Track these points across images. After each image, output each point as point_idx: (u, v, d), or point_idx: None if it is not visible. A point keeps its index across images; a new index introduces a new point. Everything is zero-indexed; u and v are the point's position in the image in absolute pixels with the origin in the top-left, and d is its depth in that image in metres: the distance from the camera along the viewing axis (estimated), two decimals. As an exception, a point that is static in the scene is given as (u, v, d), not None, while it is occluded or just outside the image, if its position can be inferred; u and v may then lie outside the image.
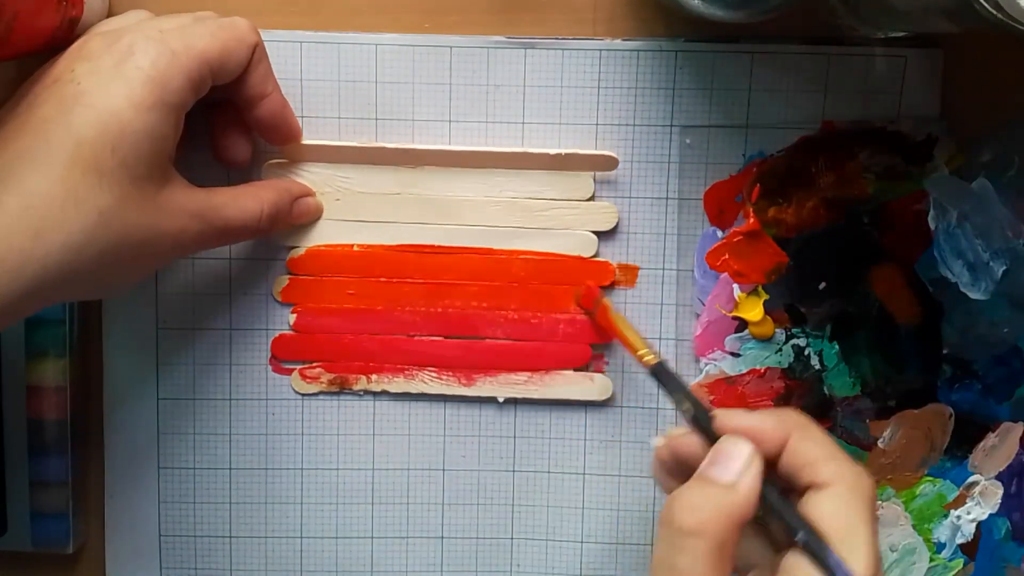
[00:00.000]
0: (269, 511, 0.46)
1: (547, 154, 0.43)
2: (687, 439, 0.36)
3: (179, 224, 0.37)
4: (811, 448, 0.34)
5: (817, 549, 0.32)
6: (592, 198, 0.44)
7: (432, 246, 0.44)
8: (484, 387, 0.45)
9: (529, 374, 0.45)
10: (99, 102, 0.34)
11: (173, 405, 0.45)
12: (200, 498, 0.45)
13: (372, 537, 0.46)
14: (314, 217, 0.44)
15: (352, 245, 0.44)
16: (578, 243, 0.44)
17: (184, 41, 0.36)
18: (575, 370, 0.45)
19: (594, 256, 0.44)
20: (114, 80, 0.35)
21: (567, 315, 0.44)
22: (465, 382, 0.45)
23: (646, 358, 0.40)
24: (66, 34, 0.38)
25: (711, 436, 0.35)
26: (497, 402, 0.45)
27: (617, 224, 0.44)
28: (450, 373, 0.45)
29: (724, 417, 0.36)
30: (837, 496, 0.33)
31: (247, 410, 0.45)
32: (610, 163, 0.43)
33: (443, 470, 0.46)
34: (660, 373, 0.39)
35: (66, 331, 0.43)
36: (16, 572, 0.46)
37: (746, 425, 0.35)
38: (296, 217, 0.43)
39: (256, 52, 0.39)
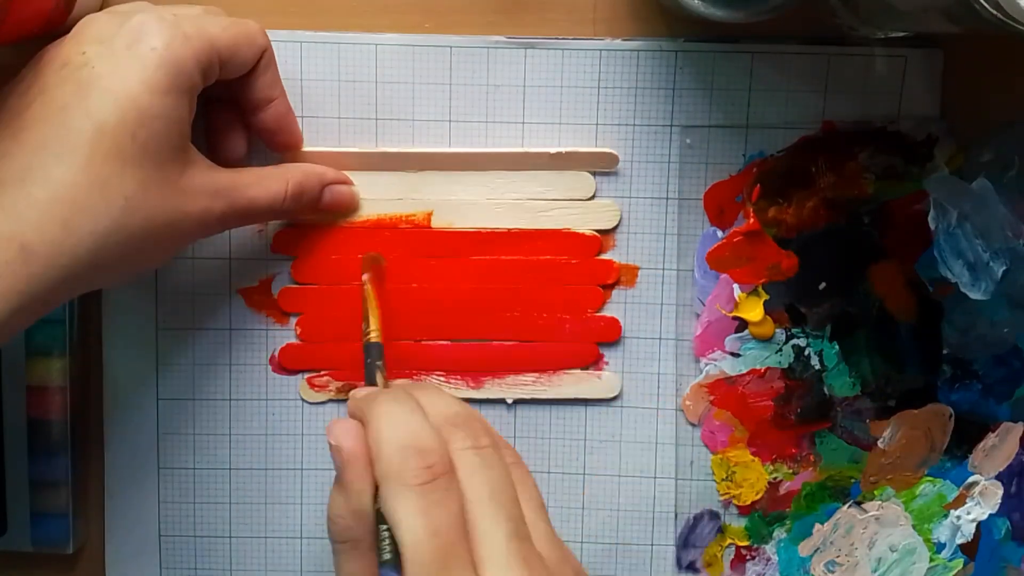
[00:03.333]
0: (269, 511, 0.46)
1: (547, 153, 0.43)
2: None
3: (202, 204, 0.37)
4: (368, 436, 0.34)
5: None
6: (593, 197, 0.44)
7: (435, 250, 0.44)
8: (492, 389, 0.45)
9: (537, 374, 0.45)
10: (116, 86, 0.34)
11: (173, 405, 0.45)
12: (200, 498, 0.45)
13: (372, 537, 0.46)
14: (350, 208, 0.43)
15: (357, 252, 0.44)
16: (581, 240, 0.44)
17: (196, 25, 0.36)
18: (582, 369, 0.45)
19: (597, 255, 0.44)
20: (129, 63, 0.34)
21: (572, 315, 0.44)
22: (474, 385, 0.45)
23: (371, 336, 0.40)
24: (62, 17, 0.38)
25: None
26: (505, 403, 0.45)
27: (618, 224, 0.44)
28: (458, 376, 0.45)
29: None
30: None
31: (247, 410, 0.45)
32: (610, 160, 0.43)
33: (443, 470, 0.46)
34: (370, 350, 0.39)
35: (66, 331, 0.43)
36: (16, 572, 0.46)
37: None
38: (328, 204, 0.42)
39: (264, 56, 0.39)
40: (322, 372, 0.45)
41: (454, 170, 0.43)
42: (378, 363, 0.39)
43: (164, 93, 0.35)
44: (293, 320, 0.45)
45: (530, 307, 0.44)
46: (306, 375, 0.45)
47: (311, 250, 0.44)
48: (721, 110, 0.43)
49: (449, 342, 0.45)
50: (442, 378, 0.45)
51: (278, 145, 0.42)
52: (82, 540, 0.46)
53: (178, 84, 0.35)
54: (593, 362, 0.45)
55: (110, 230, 0.34)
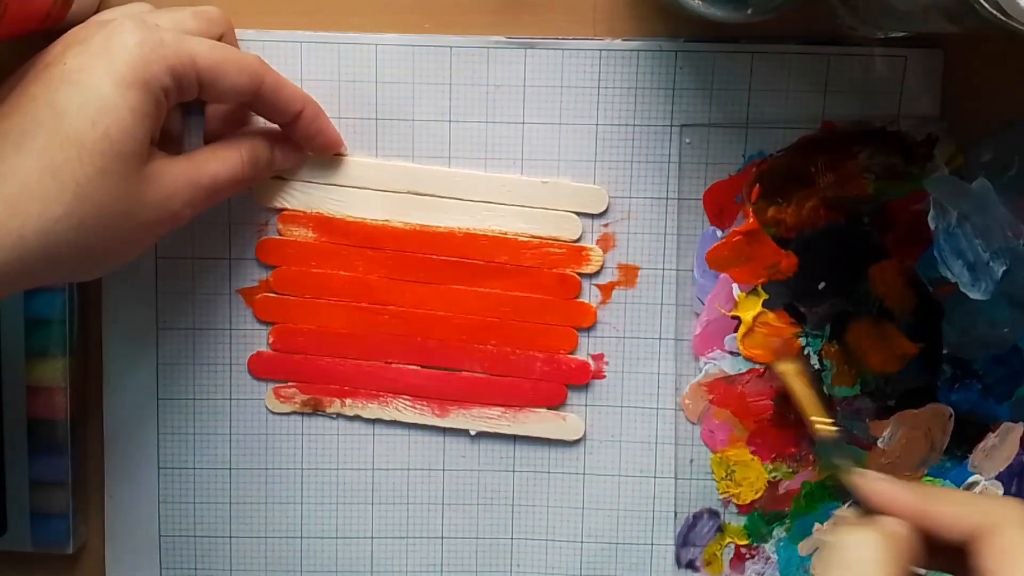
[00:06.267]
0: (269, 511, 0.46)
1: (538, 182, 0.43)
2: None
3: (164, 191, 0.37)
4: (951, 509, 0.33)
5: None
6: (579, 239, 0.44)
7: (415, 275, 0.44)
8: (457, 419, 0.45)
9: (503, 409, 0.45)
10: (82, 78, 0.35)
11: (173, 405, 0.45)
12: (200, 498, 0.45)
13: (372, 537, 0.46)
14: (299, 161, 0.43)
15: (337, 269, 0.44)
16: (562, 281, 0.44)
17: (177, 36, 0.36)
18: (548, 408, 0.45)
19: (576, 297, 0.44)
20: (99, 57, 0.35)
21: (545, 353, 0.44)
22: (439, 413, 0.45)
23: (821, 428, 0.41)
24: (60, 14, 0.38)
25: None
26: (468, 435, 0.45)
27: (600, 267, 0.44)
28: (424, 403, 0.45)
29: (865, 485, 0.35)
30: (991, 541, 0.32)
31: (246, 410, 0.45)
32: (598, 199, 0.43)
33: (443, 470, 0.46)
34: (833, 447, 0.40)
35: (66, 331, 0.43)
36: (16, 572, 0.46)
37: (882, 498, 0.34)
38: (281, 161, 0.42)
39: (268, 83, 0.39)
40: (289, 383, 0.45)
41: (443, 197, 0.43)
42: (846, 461, 0.38)
43: (128, 87, 0.35)
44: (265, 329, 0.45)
45: (504, 341, 0.44)
46: (272, 384, 0.45)
47: (293, 261, 0.44)
48: (721, 110, 0.43)
49: (419, 367, 0.45)
50: (408, 402, 0.45)
51: (315, 150, 0.43)
52: (82, 540, 0.46)
53: (145, 81, 0.35)
54: (560, 403, 0.45)
55: (59, 215, 0.34)
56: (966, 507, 0.33)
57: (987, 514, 0.32)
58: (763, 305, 0.44)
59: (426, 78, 0.43)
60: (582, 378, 0.45)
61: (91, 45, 0.35)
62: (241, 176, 0.40)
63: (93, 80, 0.34)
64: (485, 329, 0.44)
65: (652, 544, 0.46)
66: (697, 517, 0.46)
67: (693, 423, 0.45)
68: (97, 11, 0.41)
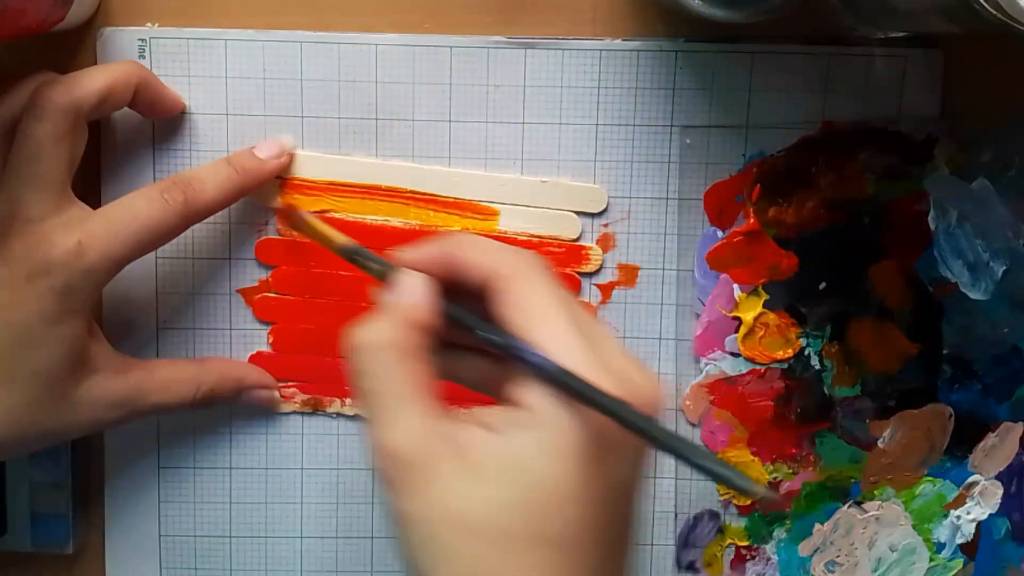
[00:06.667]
0: (269, 511, 0.46)
1: (537, 182, 0.43)
2: None
3: (93, 415, 0.39)
4: (472, 255, 0.33)
5: (503, 343, 0.31)
6: (579, 239, 0.44)
7: None
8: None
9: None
10: (12, 317, 0.36)
11: (173, 405, 0.45)
12: (200, 498, 0.45)
13: (372, 537, 0.46)
14: (269, 408, 0.45)
15: (337, 269, 0.44)
16: (562, 281, 0.44)
17: (102, 248, 0.37)
18: None
19: (577, 296, 0.44)
20: (27, 295, 0.36)
21: None
22: None
23: (340, 242, 0.39)
24: (60, 14, 0.38)
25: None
26: None
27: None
28: None
29: (395, 258, 0.35)
30: (505, 289, 0.32)
31: (247, 410, 0.45)
32: (597, 198, 0.43)
33: (443, 470, 0.46)
34: (354, 254, 0.38)
35: (66, 331, 0.43)
36: (16, 572, 0.46)
37: (412, 258, 0.34)
38: (245, 405, 0.44)
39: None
40: (290, 383, 0.45)
41: (442, 196, 0.43)
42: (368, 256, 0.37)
43: (59, 323, 0.36)
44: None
45: None
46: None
47: (293, 261, 0.44)
48: (721, 110, 0.43)
49: None
50: None
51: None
52: (82, 540, 0.46)
53: (74, 310, 0.37)
54: None
55: None
56: (484, 254, 0.33)
57: (502, 262, 0.32)
58: (764, 306, 0.44)
59: (426, 78, 0.43)
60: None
61: (16, 274, 0.36)
62: (189, 407, 0.42)
63: (23, 320, 0.36)
64: None
65: (652, 545, 0.46)
66: (697, 518, 0.46)
67: (694, 424, 0.45)
68: (96, 13, 0.42)
